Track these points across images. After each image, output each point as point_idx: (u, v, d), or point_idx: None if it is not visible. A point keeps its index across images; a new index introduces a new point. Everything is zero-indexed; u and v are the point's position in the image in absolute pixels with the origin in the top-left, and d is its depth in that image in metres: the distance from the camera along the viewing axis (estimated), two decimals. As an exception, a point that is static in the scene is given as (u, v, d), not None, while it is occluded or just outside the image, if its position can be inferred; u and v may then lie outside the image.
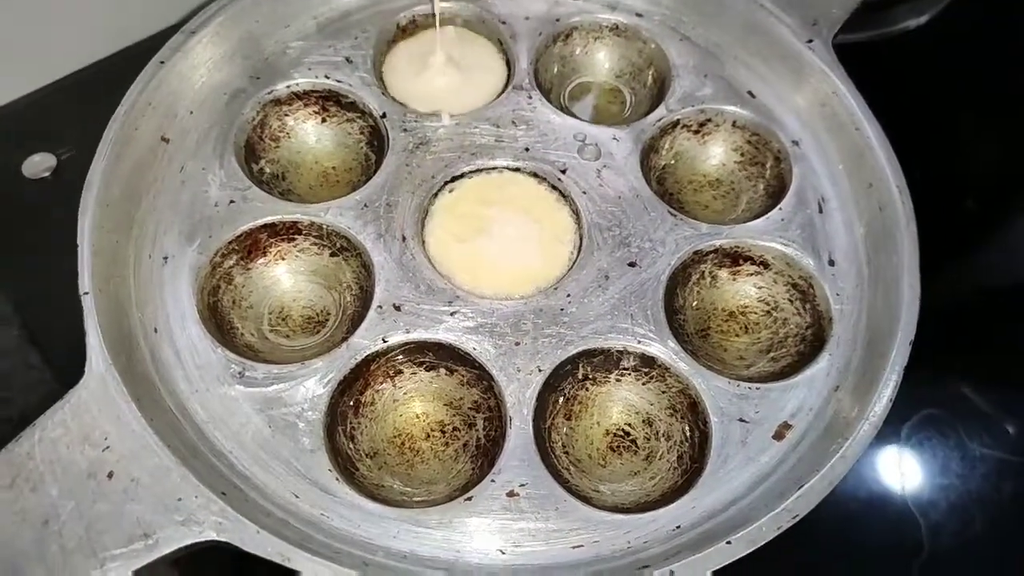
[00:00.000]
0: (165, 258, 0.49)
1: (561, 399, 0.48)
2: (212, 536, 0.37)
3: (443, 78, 0.58)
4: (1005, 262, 0.65)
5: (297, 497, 0.42)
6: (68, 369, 0.54)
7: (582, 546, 0.42)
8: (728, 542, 0.39)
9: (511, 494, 0.43)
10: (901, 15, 0.76)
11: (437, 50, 0.57)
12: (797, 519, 0.40)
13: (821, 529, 0.51)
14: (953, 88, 0.73)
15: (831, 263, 0.51)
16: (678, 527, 0.43)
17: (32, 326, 0.57)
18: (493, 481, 0.43)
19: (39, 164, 0.61)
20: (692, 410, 0.47)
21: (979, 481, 0.54)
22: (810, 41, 0.56)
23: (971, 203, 0.68)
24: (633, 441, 0.48)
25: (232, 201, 0.51)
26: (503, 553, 0.42)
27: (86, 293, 0.43)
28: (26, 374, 0.55)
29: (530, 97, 0.57)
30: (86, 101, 0.65)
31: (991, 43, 0.76)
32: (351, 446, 0.46)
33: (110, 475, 0.39)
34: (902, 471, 0.54)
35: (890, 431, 0.55)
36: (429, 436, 0.48)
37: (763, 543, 0.40)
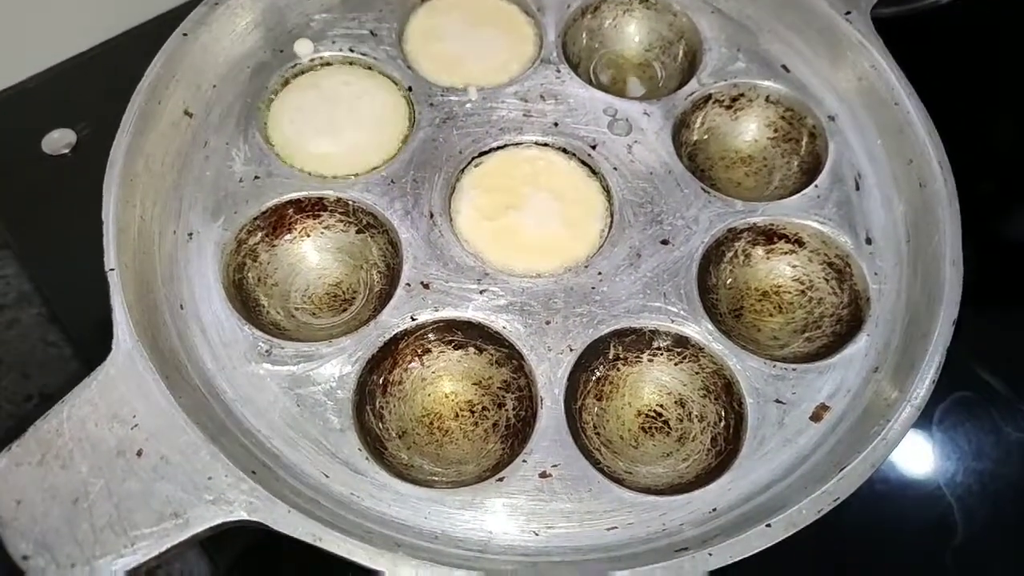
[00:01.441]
0: (190, 234, 0.48)
1: (592, 379, 0.47)
2: (243, 516, 0.37)
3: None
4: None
5: (327, 477, 0.42)
6: (89, 347, 0.54)
7: (616, 528, 0.41)
8: (768, 525, 0.38)
9: (544, 475, 0.42)
10: (932, -10, 0.74)
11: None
12: (838, 502, 0.39)
13: (853, 511, 0.50)
14: (982, 65, 0.72)
15: (868, 241, 0.50)
16: (714, 510, 0.42)
17: (53, 304, 0.56)
18: (525, 462, 0.43)
19: (59, 140, 0.61)
20: (727, 391, 0.46)
21: (1014, 465, 0.54)
22: (848, 13, 0.55)
23: (1002, 178, 0.67)
24: (665, 422, 0.48)
25: (257, 176, 0.50)
26: (536, 535, 0.41)
27: (112, 269, 0.42)
28: (46, 352, 0.55)
29: (558, 71, 0.56)
30: (106, 76, 0.64)
31: (1020, 19, 0.74)
32: (380, 425, 0.45)
33: (139, 453, 0.38)
34: (935, 454, 0.54)
35: (923, 414, 0.54)
36: (458, 416, 0.47)
37: (803, 526, 0.39)
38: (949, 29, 0.73)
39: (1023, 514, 0.52)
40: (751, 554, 0.38)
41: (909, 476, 0.53)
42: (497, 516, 0.41)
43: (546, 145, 0.53)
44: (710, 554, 0.37)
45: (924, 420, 0.54)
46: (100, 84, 0.64)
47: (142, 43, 0.51)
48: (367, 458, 0.42)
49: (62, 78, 0.65)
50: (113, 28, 0.66)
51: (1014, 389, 0.56)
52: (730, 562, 0.37)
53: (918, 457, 0.53)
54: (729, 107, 0.57)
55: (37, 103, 0.64)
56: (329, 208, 0.50)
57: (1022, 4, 0.75)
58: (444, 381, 0.48)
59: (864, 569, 0.51)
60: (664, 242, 0.50)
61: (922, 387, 0.42)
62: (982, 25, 0.74)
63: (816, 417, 0.45)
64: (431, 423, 0.47)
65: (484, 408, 0.47)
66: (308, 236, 0.51)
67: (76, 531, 0.36)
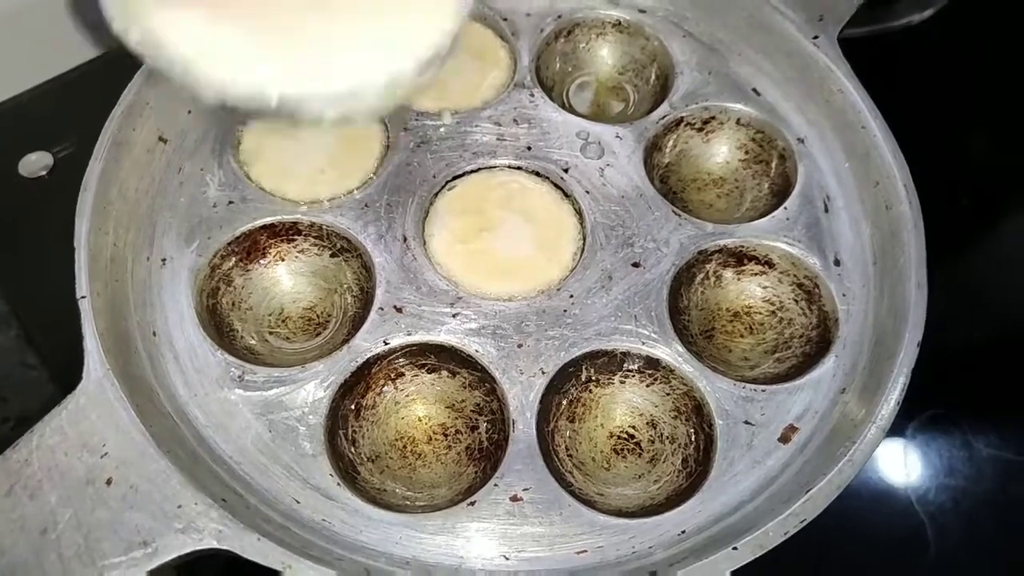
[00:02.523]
0: (163, 260, 0.48)
1: (564, 401, 0.48)
2: (213, 544, 0.37)
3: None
4: (1013, 258, 0.65)
5: (298, 503, 0.42)
6: (66, 370, 0.54)
7: (586, 552, 0.41)
8: (735, 548, 0.38)
9: (514, 498, 0.42)
10: (904, 10, 0.75)
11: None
12: (805, 523, 0.40)
13: (826, 528, 0.50)
14: (956, 84, 0.73)
15: (837, 263, 0.51)
16: (683, 532, 0.42)
17: (29, 326, 0.56)
18: (496, 485, 0.43)
19: (36, 163, 0.61)
20: (697, 412, 0.47)
21: (985, 482, 0.54)
22: (816, 37, 0.56)
23: (974, 200, 0.68)
24: (637, 444, 0.48)
25: (231, 202, 0.50)
26: (507, 559, 0.41)
27: (83, 297, 0.42)
28: (24, 374, 0.55)
29: (532, 95, 0.56)
30: (83, 99, 0.65)
31: (994, 38, 0.76)
32: (352, 450, 0.45)
33: (109, 482, 0.38)
34: (907, 471, 0.54)
35: (895, 431, 0.54)
36: (431, 439, 0.47)
37: (770, 548, 0.39)
38: (920, 49, 0.74)
39: (995, 530, 0.53)
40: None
41: (882, 493, 0.53)
42: (469, 541, 0.41)
43: (519, 169, 0.54)
44: (678, 578, 0.38)
45: (897, 437, 0.55)
46: (78, 106, 0.64)
47: (120, 66, 0.51)
48: (339, 483, 0.42)
49: (39, 100, 0.65)
50: (92, 51, 0.66)
51: (985, 406, 0.57)
52: (698, 585, 0.38)
53: (891, 474, 0.54)
54: (700, 130, 0.57)
55: (14, 125, 0.64)
56: (303, 232, 0.51)
57: (993, 24, 0.76)
58: (417, 405, 0.48)
59: (839, 586, 0.51)
60: (635, 264, 0.50)
61: (887, 408, 0.43)
62: (953, 45, 0.75)
63: (784, 438, 0.45)
64: (404, 447, 0.47)
65: (457, 431, 0.47)
66: (282, 260, 0.51)
67: (44, 562, 0.36)
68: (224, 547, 0.37)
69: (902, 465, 0.54)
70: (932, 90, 0.71)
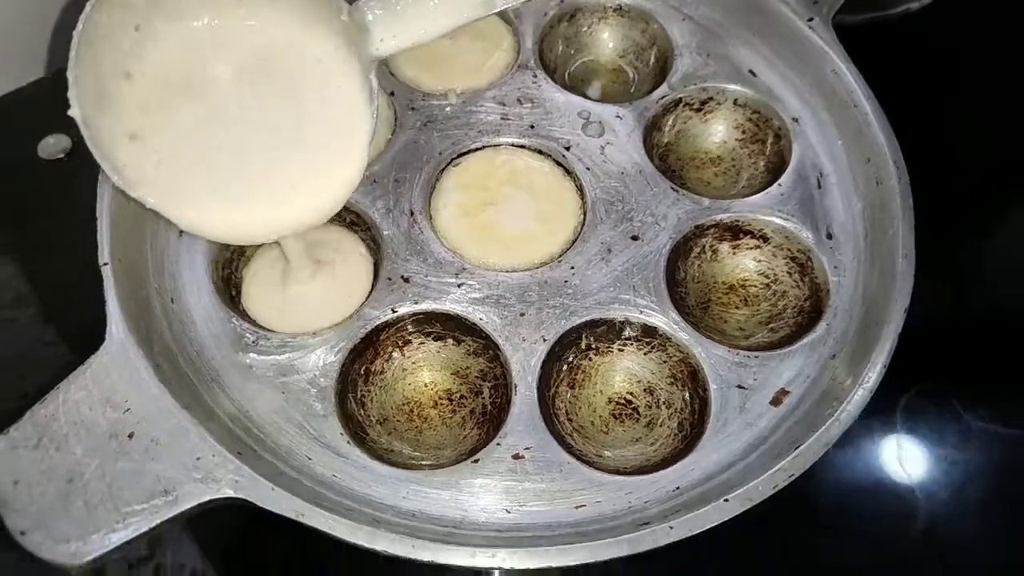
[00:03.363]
0: (181, 232, 0.50)
1: (565, 368, 0.49)
2: (229, 493, 0.39)
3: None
4: (1001, 237, 0.66)
5: (310, 459, 0.44)
6: (84, 347, 0.56)
7: (584, 506, 0.43)
8: (725, 500, 0.40)
9: (516, 456, 0.44)
10: (903, -4, 0.77)
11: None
12: (792, 478, 0.41)
13: (816, 501, 0.52)
14: (953, 71, 0.74)
15: (829, 236, 0.53)
16: (677, 488, 0.44)
17: (47, 305, 0.58)
18: (499, 444, 0.45)
19: (54, 145, 0.63)
20: (692, 378, 0.49)
21: (975, 453, 0.55)
22: (810, 20, 0.57)
23: (966, 183, 0.69)
24: (635, 409, 0.50)
25: (245, 177, 0.52)
26: (508, 512, 0.43)
27: (105, 264, 0.44)
28: (43, 351, 0.57)
29: (535, 76, 0.58)
30: (101, 83, 0.66)
31: (992, 26, 0.77)
32: (361, 412, 0.47)
33: (131, 435, 0.40)
34: (899, 444, 0.55)
35: (886, 404, 0.55)
36: (437, 404, 0.49)
37: (759, 501, 0.41)
38: (918, 36, 0.75)
39: (985, 501, 0.54)
40: (710, 527, 0.40)
41: (873, 466, 0.55)
42: (472, 495, 0.43)
43: (523, 147, 0.56)
44: (671, 527, 0.39)
45: (888, 410, 0.56)
46: (95, 91, 0.66)
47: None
48: (349, 442, 0.44)
49: (57, 84, 0.67)
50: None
51: (976, 379, 0.58)
52: (690, 535, 0.39)
53: (882, 447, 0.55)
54: (699, 110, 0.59)
55: (33, 109, 0.66)
56: (314, 206, 0.52)
57: (990, 12, 0.77)
58: (423, 371, 0.50)
59: (832, 553, 0.52)
60: (634, 238, 0.52)
61: (874, 372, 0.44)
62: (951, 32, 0.76)
63: (776, 401, 0.47)
64: (411, 411, 0.49)
65: (462, 396, 0.49)
66: (294, 233, 0.53)
67: (70, 508, 0.38)
68: (240, 496, 0.39)
69: (893, 439, 0.56)
70: (929, 77, 0.72)
